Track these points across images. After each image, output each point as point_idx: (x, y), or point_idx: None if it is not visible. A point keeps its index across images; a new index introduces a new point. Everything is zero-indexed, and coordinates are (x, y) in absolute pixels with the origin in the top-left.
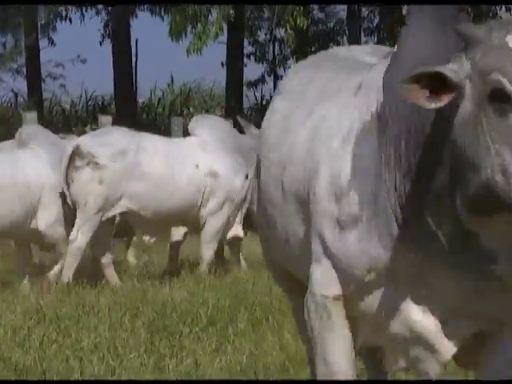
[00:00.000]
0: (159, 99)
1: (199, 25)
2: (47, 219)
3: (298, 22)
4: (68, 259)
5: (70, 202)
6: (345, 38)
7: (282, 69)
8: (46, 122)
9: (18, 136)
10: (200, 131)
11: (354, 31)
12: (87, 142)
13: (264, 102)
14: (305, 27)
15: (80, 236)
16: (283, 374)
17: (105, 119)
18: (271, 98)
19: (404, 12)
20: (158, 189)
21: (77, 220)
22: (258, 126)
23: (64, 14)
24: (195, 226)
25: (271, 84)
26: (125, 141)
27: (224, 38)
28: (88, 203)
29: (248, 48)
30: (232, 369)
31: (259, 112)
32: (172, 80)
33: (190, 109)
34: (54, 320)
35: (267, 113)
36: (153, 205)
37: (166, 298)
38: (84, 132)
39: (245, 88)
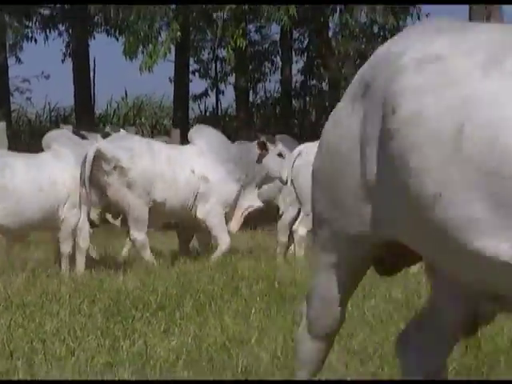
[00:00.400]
0: (114, 111)
1: (150, 45)
2: (71, 208)
3: (237, 43)
4: (142, 254)
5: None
6: (278, 57)
7: (223, 84)
8: (13, 130)
9: (43, 140)
10: (198, 141)
11: (286, 51)
12: (107, 145)
13: (207, 114)
14: (243, 47)
15: (137, 233)
16: (223, 352)
17: (66, 128)
18: (214, 109)
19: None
20: (165, 188)
21: (129, 221)
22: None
23: (30, 35)
24: (188, 224)
25: (213, 98)
26: (138, 145)
27: (172, 57)
28: (130, 205)
29: (193, 66)
30: (178, 349)
31: (203, 122)
32: (126, 94)
33: (142, 119)
34: (21, 306)
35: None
36: (163, 201)
37: (120, 286)
38: (107, 133)
39: (190, 101)
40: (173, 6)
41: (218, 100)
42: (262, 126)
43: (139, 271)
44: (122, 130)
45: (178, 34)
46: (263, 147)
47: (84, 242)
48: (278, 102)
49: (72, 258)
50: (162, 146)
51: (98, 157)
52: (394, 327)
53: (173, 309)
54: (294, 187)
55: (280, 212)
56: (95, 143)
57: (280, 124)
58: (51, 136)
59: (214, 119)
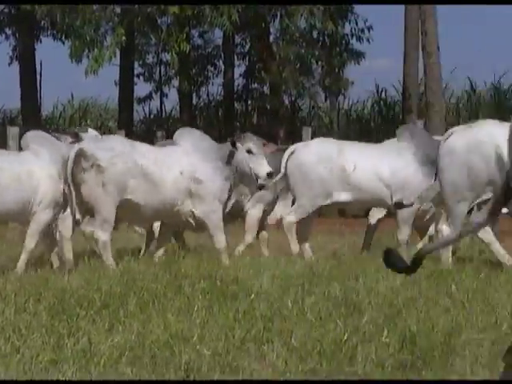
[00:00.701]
0: (60, 113)
1: (96, 49)
2: (45, 206)
3: (181, 48)
4: (103, 254)
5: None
6: (221, 61)
7: (167, 87)
8: None
9: (22, 140)
10: (184, 142)
11: (229, 55)
12: (90, 145)
13: (152, 116)
14: (187, 52)
15: (101, 233)
16: (166, 349)
17: (13, 130)
18: (158, 112)
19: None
20: (150, 186)
21: (96, 220)
22: (146, 136)
23: None
24: (178, 224)
25: (157, 100)
26: (121, 146)
27: (117, 60)
28: (99, 205)
29: (138, 69)
30: (122, 346)
31: (148, 124)
32: (72, 96)
33: (88, 121)
34: None
35: None
36: (147, 199)
37: (65, 285)
38: (75, 134)
39: (135, 103)
40: (118, 11)
41: (161, 103)
42: (205, 128)
43: (84, 270)
44: (90, 130)
45: (123, 38)
46: (234, 145)
47: (67, 230)
48: (221, 104)
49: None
50: (147, 147)
51: (79, 155)
52: (333, 324)
53: (117, 307)
54: (289, 183)
55: (246, 208)
56: (77, 143)
57: (222, 126)
58: (29, 136)
59: (158, 121)
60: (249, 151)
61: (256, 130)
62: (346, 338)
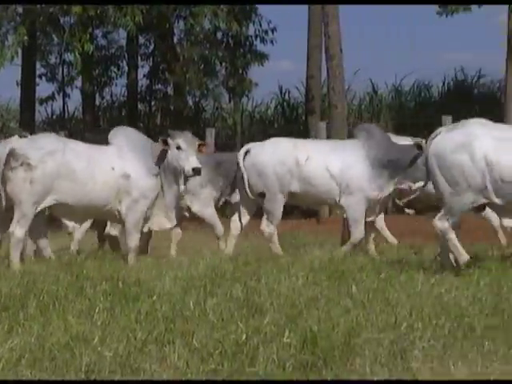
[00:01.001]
0: None
1: None
2: None
3: (84, 48)
4: (11, 250)
5: (3, 200)
6: (124, 61)
7: (69, 88)
8: None
9: None
10: (118, 140)
11: (132, 56)
12: (22, 145)
13: (54, 117)
14: (90, 52)
15: (18, 228)
16: (67, 351)
17: None
18: (60, 112)
19: (176, 40)
20: (80, 185)
21: (15, 215)
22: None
23: None
24: (114, 220)
25: (60, 101)
26: (52, 144)
27: (19, 60)
28: (22, 201)
29: (40, 69)
30: (22, 348)
31: (50, 125)
32: None
33: None
34: None
35: None
36: (76, 199)
37: None
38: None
39: (37, 104)
40: (20, 11)
41: (64, 103)
42: (109, 129)
43: None
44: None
45: (25, 38)
46: (165, 143)
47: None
48: (124, 105)
49: None
50: (80, 145)
51: (10, 154)
52: (235, 325)
53: (17, 309)
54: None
55: (195, 210)
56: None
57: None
58: None
59: (60, 122)
60: (178, 147)
61: (160, 131)
62: (247, 338)
